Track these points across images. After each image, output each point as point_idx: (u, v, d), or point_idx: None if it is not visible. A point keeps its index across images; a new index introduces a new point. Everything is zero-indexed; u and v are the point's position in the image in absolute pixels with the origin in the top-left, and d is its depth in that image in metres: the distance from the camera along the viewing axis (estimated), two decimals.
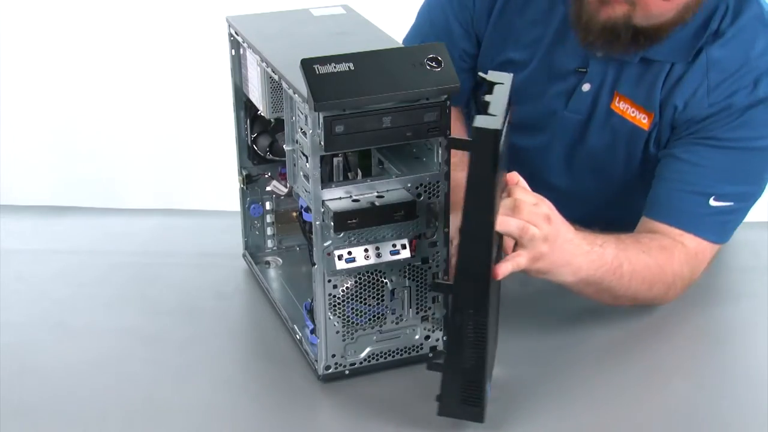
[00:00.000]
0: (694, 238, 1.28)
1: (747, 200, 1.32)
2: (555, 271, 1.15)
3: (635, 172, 1.38)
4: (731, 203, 1.29)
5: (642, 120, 1.34)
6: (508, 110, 1.06)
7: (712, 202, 1.28)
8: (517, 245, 1.10)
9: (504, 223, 1.07)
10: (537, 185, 1.47)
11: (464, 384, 1.08)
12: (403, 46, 1.15)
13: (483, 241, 1.03)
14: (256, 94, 1.28)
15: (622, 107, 1.34)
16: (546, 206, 1.12)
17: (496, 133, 0.98)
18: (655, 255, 1.24)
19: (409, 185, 1.12)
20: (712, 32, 1.29)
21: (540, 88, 1.39)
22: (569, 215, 1.49)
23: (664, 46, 1.29)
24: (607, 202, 1.43)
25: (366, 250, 1.12)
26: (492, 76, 1.08)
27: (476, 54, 1.43)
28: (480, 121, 0.99)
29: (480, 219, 1.02)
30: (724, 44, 1.28)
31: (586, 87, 1.36)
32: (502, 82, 1.07)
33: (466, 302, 1.05)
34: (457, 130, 1.42)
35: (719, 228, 1.31)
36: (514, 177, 1.14)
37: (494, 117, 1.00)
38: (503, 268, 1.08)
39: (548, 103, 1.39)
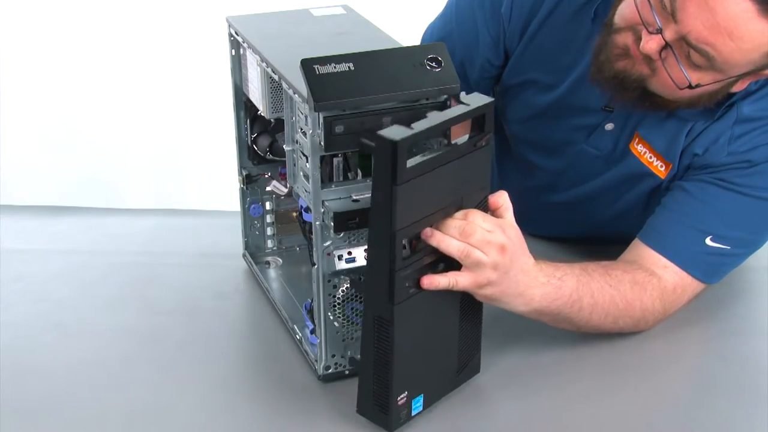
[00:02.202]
0: (678, 272, 1.26)
1: (744, 247, 1.30)
2: (506, 300, 1.13)
3: (644, 203, 1.37)
4: (728, 247, 1.26)
5: (659, 168, 1.31)
6: (484, 133, 1.06)
7: (709, 242, 1.26)
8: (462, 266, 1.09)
9: (445, 242, 1.06)
10: (546, 198, 1.47)
11: (374, 387, 1.09)
12: (403, 46, 1.14)
13: (381, 249, 1.03)
14: (256, 94, 1.28)
15: (640, 150, 1.32)
16: (503, 235, 1.08)
17: (393, 143, 0.97)
18: (623, 290, 1.22)
19: None
20: (746, 91, 1.25)
21: (562, 116, 1.37)
22: (574, 229, 1.50)
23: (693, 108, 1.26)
24: (613, 222, 1.42)
25: (366, 250, 1.12)
26: (466, 97, 1.07)
27: (502, 65, 1.40)
28: (388, 130, 0.99)
29: (379, 226, 1.02)
30: (756, 101, 1.25)
31: (609, 126, 1.33)
32: (468, 104, 1.06)
33: (371, 305, 1.06)
34: None
35: (709, 268, 1.28)
36: (498, 201, 1.12)
37: (407, 129, 0.99)
38: (435, 281, 1.06)
39: (569, 133, 1.37)
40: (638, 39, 1.18)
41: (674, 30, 1.14)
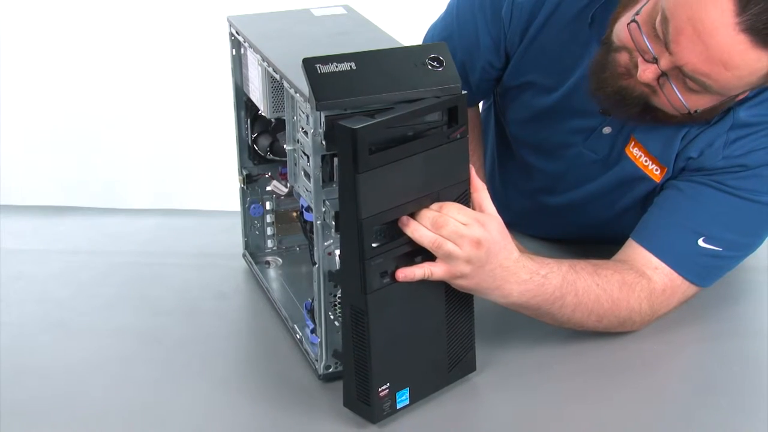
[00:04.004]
0: (668, 274, 1.26)
1: (737, 250, 1.29)
2: (482, 292, 1.13)
3: (640, 207, 1.37)
4: (720, 249, 1.26)
5: (654, 171, 1.31)
6: (457, 126, 1.07)
7: (701, 243, 1.25)
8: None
9: (418, 232, 1.06)
10: (544, 199, 1.48)
11: (356, 378, 1.09)
12: (404, 45, 1.14)
13: (351, 238, 1.04)
14: (257, 93, 1.28)
15: (636, 154, 1.32)
16: (481, 229, 1.08)
17: (353, 131, 0.99)
18: (611, 289, 1.22)
19: None
20: (743, 98, 1.24)
21: (561, 118, 1.37)
22: (572, 231, 1.50)
23: None
24: (610, 225, 1.42)
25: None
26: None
27: (502, 68, 1.40)
28: (351, 120, 1.01)
29: (347, 215, 1.04)
30: (752, 106, 1.25)
31: (607, 130, 1.33)
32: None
33: (346, 295, 1.07)
34: (470, 129, 1.43)
35: (701, 270, 1.28)
36: (476, 184, 1.12)
37: (368, 119, 1.01)
38: (411, 273, 1.07)
39: (567, 136, 1.37)
40: (635, 63, 1.18)
41: (669, 60, 1.14)
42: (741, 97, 1.22)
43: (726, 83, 1.13)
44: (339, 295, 1.14)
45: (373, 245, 1.05)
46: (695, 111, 1.18)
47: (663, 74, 1.16)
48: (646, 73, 1.16)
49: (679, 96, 1.16)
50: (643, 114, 1.24)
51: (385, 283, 1.06)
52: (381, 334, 1.07)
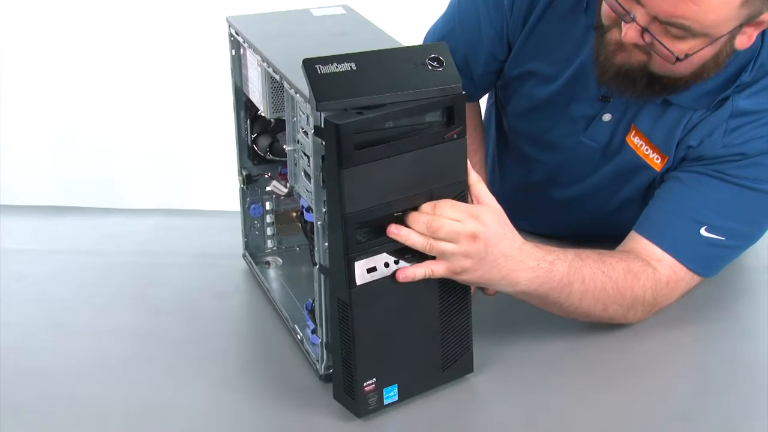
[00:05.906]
0: (673, 264, 1.26)
1: (740, 240, 1.29)
2: (489, 284, 1.13)
3: (641, 197, 1.37)
4: (723, 238, 1.26)
5: (655, 160, 1.32)
6: (454, 126, 1.07)
7: (704, 232, 1.26)
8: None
9: (410, 239, 1.07)
10: (544, 194, 1.48)
11: (343, 371, 1.10)
12: (404, 45, 1.14)
13: (336, 232, 1.05)
14: (256, 94, 1.28)
15: (637, 143, 1.32)
16: (475, 222, 1.08)
17: (336, 127, 1.00)
18: (616, 277, 1.22)
19: None
20: (741, 84, 1.25)
21: (561, 107, 1.37)
22: (573, 226, 1.50)
23: (690, 93, 1.26)
24: (612, 217, 1.42)
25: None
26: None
27: (505, 59, 1.40)
28: (337, 115, 1.02)
29: (332, 210, 1.04)
30: (752, 95, 1.25)
31: (606, 117, 1.33)
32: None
33: (334, 287, 1.08)
34: (471, 127, 1.43)
35: (704, 259, 1.28)
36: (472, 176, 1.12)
37: (355, 115, 1.02)
38: (411, 273, 1.07)
39: (567, 125, 1.38)
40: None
41: (643, 13, 1.15)
42: (748, 42, 1.19)
43: (702, 19, 1.13)
44: None
45: (361, 240, 1.05)
46: (685, 55, 1.17)
47: (645, 30, 1.16)
48: (629, 33, 1.17)
49: (664, 45, 1.16)
50: (651, 86, 1.24)
51: (373, 278, 1.07)
52: (367, 329, 1.07)
